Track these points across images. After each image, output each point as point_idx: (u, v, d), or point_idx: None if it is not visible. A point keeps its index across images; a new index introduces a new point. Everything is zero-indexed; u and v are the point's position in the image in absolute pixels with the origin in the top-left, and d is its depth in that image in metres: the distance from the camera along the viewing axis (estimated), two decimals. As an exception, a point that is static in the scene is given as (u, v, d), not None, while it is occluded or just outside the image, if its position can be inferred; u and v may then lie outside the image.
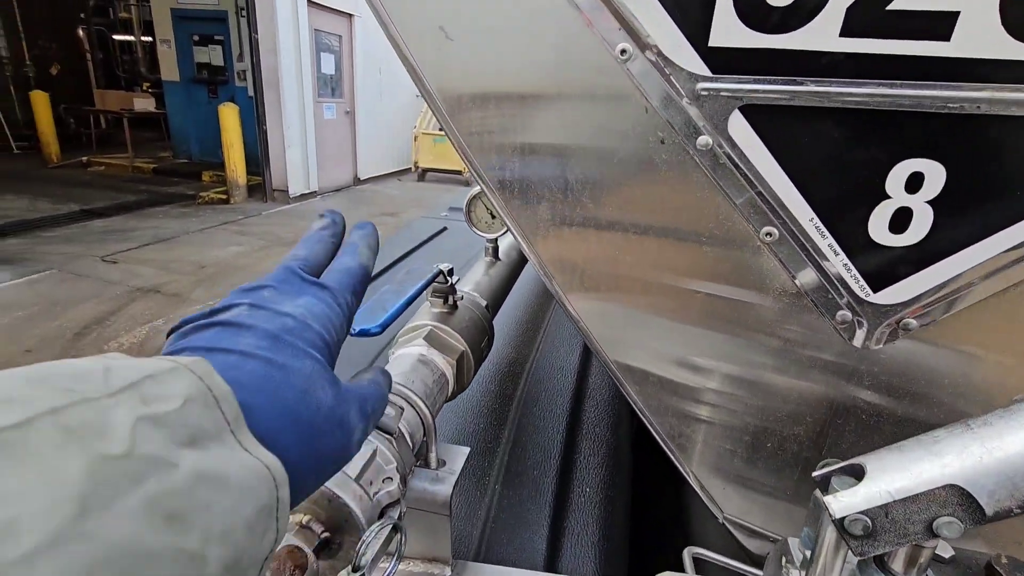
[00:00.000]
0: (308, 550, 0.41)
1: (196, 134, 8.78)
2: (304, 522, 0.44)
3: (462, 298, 0.77)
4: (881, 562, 0.34)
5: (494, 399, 0.97)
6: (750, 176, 0.44)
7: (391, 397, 0.54)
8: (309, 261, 0.38)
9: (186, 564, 0.19)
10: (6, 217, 5.44)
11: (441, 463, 0.60)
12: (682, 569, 0.53)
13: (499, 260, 1.02)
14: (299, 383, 0.28)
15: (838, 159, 0.41)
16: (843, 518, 0.31)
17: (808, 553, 0.36)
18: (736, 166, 0.44)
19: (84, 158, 8.43)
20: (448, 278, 0.72)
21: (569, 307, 0.57)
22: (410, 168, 9.93)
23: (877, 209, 0.42)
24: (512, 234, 0.57)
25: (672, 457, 0.57)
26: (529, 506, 0.77)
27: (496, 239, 1.01)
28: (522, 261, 1.14)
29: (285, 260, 0.38)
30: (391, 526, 0.45)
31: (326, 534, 0.44)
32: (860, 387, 0.49)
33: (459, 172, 9.21)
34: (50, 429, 0.17)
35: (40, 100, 8.02)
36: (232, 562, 0.21)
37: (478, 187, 0.94)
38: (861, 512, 0.30)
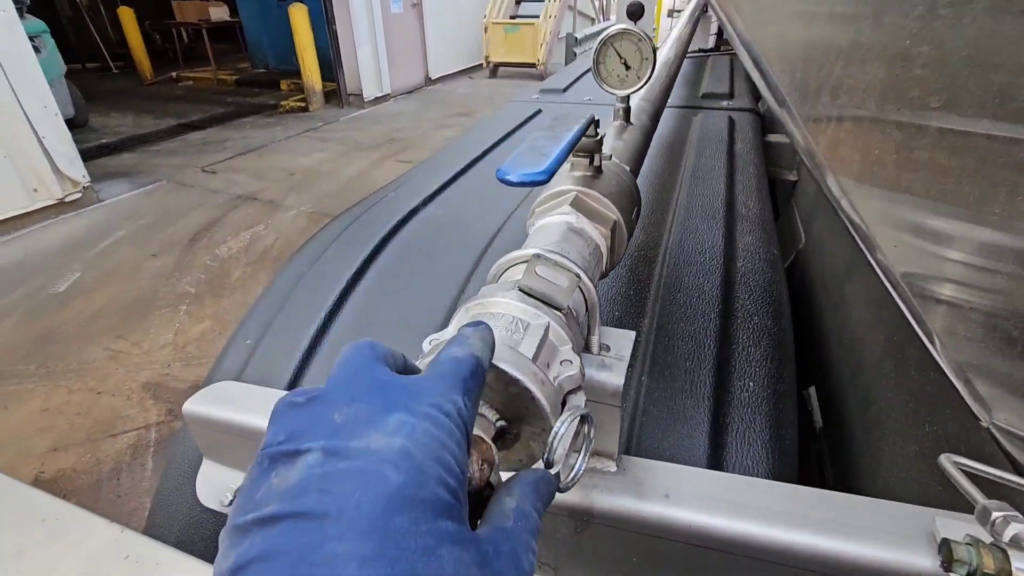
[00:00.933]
0: (488, 440, 0.33)
1: (270, 42, 8.71)
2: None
3: (610, 157, 0.63)
4: None
5: (627, 285, 0.86)
6: None
7: (562, 260, 0.43)
8: (390, 351, 0.29)
9: None
10: (118, 134, 5.84)
11: (605, 348, 0.51)
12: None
13: (631, 124, 0.85)
14: None
15: None
16: None
17: None
18: None
19: (174, 74, 8.72)
20: (597, 130, 0.58)
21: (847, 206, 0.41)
22: (481, 64, 9.36)
23: None
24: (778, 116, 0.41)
25: (931, 349, 0.43)
26: (684, 400, 0.68)
27: (628, 97, 0.83)
28: (653, 127, 0.96)
29: (358, 344, 0.27)
30: (579, 416, 0.36)
31: (501, 423, 0.36)
32: None
33: (532, 65, 8.56)
34: None
35: (128, 16, 8.22)
36: None
37: (615, 28, 0.76)
38: None
